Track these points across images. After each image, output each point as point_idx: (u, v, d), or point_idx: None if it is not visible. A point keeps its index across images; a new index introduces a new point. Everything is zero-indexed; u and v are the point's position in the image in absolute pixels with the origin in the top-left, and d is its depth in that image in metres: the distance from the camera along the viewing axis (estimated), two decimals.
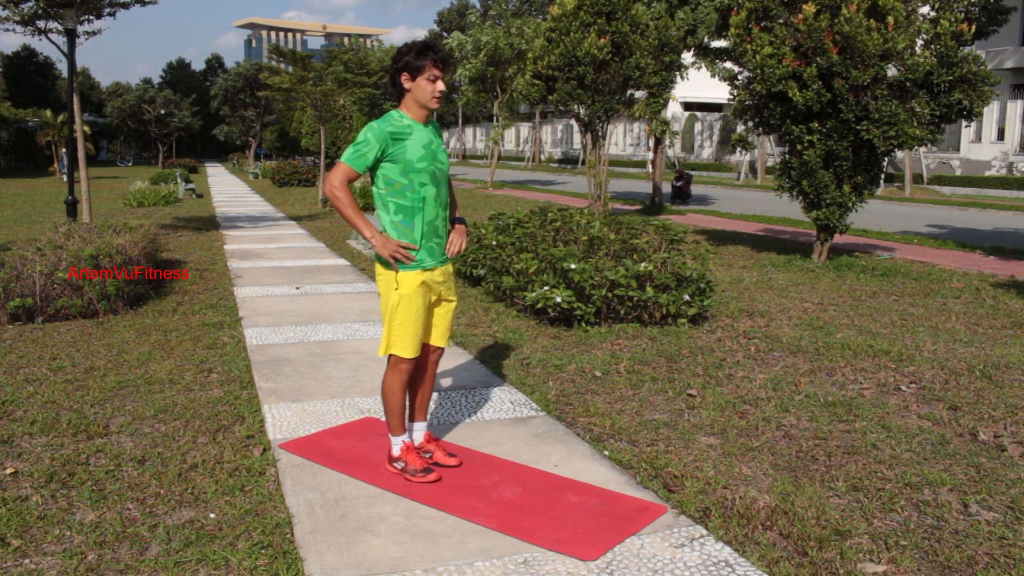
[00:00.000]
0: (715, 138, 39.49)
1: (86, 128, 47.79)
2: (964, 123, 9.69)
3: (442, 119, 61.13)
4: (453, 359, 5.70)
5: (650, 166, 29.80)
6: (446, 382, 5.17)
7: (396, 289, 3.49)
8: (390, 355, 3.56)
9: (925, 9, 9.94)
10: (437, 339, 3.72)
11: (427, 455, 3.78)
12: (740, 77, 10.59)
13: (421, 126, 3.49)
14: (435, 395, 4.91)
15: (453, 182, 32.00)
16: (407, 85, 3.46)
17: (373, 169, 3.47)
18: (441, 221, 3.57)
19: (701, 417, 4.50)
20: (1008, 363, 5.60)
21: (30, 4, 12.30)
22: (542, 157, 52.67)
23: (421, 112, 3.50)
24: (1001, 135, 27.27)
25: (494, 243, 8.09)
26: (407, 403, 3.75)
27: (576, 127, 19.59)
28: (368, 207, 16.69)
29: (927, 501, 3.47)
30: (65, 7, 11.88)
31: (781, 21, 9.81)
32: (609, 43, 13.17)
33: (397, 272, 3.48)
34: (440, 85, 3.46)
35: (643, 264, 6.55)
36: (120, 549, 3.05)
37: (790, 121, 9.86)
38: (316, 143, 33.14)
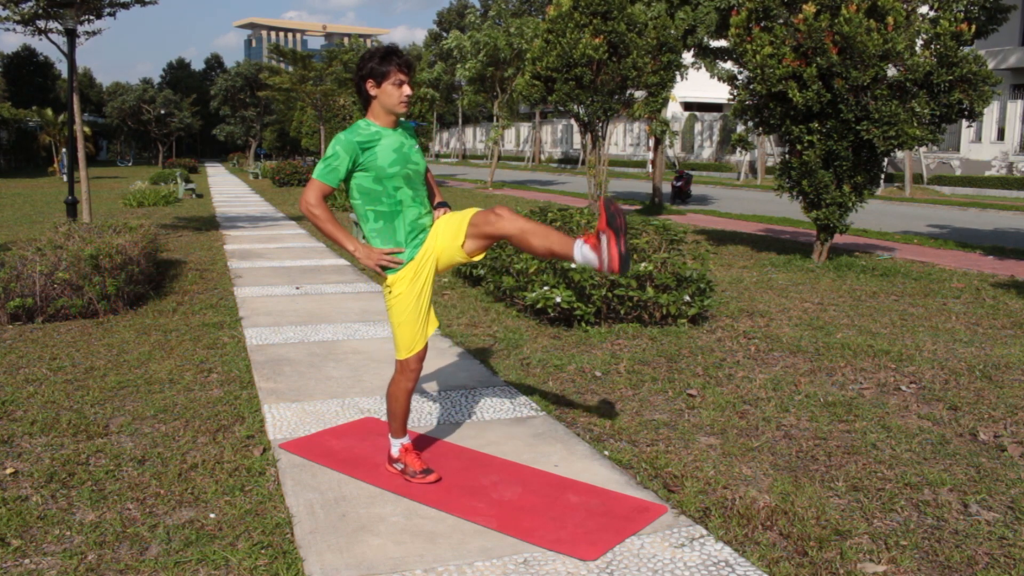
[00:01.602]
0: (715, 138, 39.49)
1: (86, 128, 47.81)
2: (964, 123, 9.71)
3: (442, 119, 61.09)
4: (453, 359, 5.70)
5: (650, 166, 29.80)
6: (446, 382, 5.17)
7: (390, 292, 3.48)
8: (397, 360, 3.55)
9: (924, 9, 9.94)
10: (478, 212, 3.42)
11: None
12: (740, 77, 10.59)
13: (389, 131, 3.45)
14: (435, 395, 4.90)
15: (453, 182, 32.10)
16: (373, 92, 3.41)
17: (346, 181, 3.42)
18: (425, 219, 3.52)
19: (701, 417, 4.50)
20: (1008, 363, 5.60)
21: (30, 4, 12.31)
22: (542, 157, 52.67)
23: (389, 118, 3.45)
24: (1001, 135, 27.28)
25: None
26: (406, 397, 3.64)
27: (576, 127, 19.66)
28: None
29: (927, 501, 3.47)
30: (65, 7, 11.88)
31: (781, 21, 9.81)
32: (605, 43, 13.18)
33: (386, 278, 3.48)
34: (406, 89, 3.42)
35: (643, 264, 6.55)
36: (120, 549, 3.05)
37: (790, 121, 9.86)
38: (316, 143, 33.15)
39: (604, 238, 3.22)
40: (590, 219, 8.08)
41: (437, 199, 3.71)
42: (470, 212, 3.45)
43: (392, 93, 3.40)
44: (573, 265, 6.47)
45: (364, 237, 3.53)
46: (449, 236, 3.46)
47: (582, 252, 3.28)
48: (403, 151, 3.45)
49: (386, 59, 3.39)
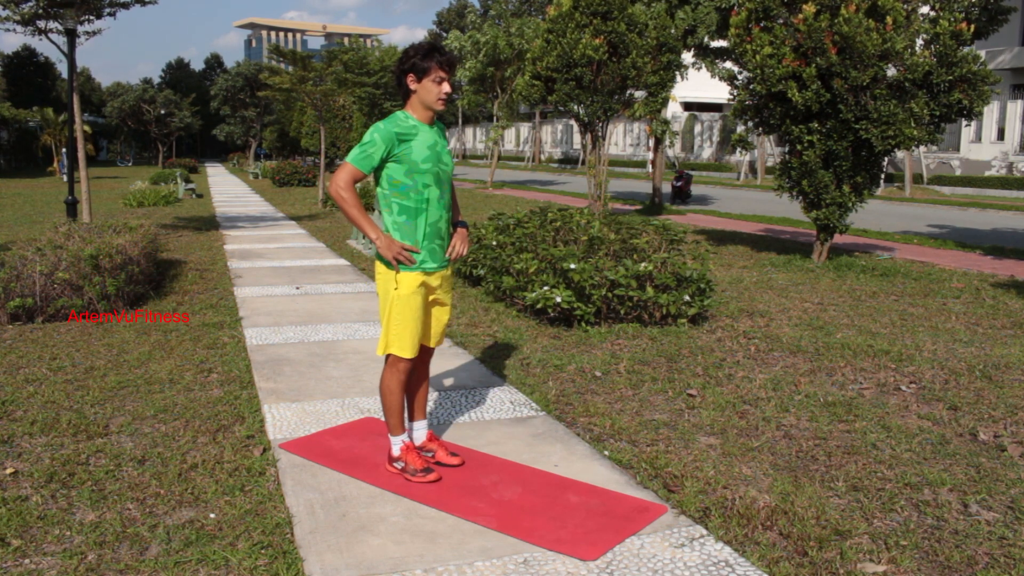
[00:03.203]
0: (715, 138, 39.49)
1: (86, 128, 47.78)
2: (964, 123, 9.71)
3: (442, 119, 60.75)
4: (453, 359, 5.70)
5: (650, 166, 29.80)
6: (446, 382, 5.17)
7: (395, 289, 3.50)
8: (388, 355, 3.57)
9: (925, 9, 9.94)
10: (431, 340, 3.76)
11: (429, 454, 3.79)
12: (740, 77, 10.59)
13: (426, 127, 3.51)
14: (435, 395, 4.91)
15: (453, 182, 31.90)
16: (413, 86, 3.47)
17: (378, 170, 3.48)
18: (444, 223, 3.58)
19: (701, 417, 4.50)
20: (1008, 363, 5.60)
21: (30, 4, 12.30)
22: (542, 157, 52.67)
23: (426, 113, 3.51)
24: (1001, 135, 27.28)
25: (494, 243, 8.09)
26: (405, 404, 3.76)
27: (576, 127, 19.69)
28: (369, 206, 16.69)
29: (927, 501, 3.47)
30: (65, 7, 11.88)
31: (781, 21, 9.81)
32: (605, 43, 13.17)
33: (398, 273, 3.49)
34: (446, 87, 3.47)
35: (643, 264, 6.55)
36: (120, 549, 3.05)
37: (790, 121, 9.86)
38: (316, 143, 33.12)
39: (418, 458, 3.74)
40: (589, 219, 8.09)
41: (458, 216, 3.78)
42: (437, 340, 3.78)
43: (432, 89, 3.45)
44: (572, 266, 6.47)
45: (384, 230, 3.56)
46: (434, 314, 3.71)
47: (420, 432, 3.85)
48: (436, 149, 3.51)
49: (429, 55, 3.44)
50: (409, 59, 3.46)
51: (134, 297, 7.48)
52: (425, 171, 3.45)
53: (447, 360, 5.66)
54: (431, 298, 3.64)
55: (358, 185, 17.26)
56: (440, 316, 3.74)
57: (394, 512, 3.35)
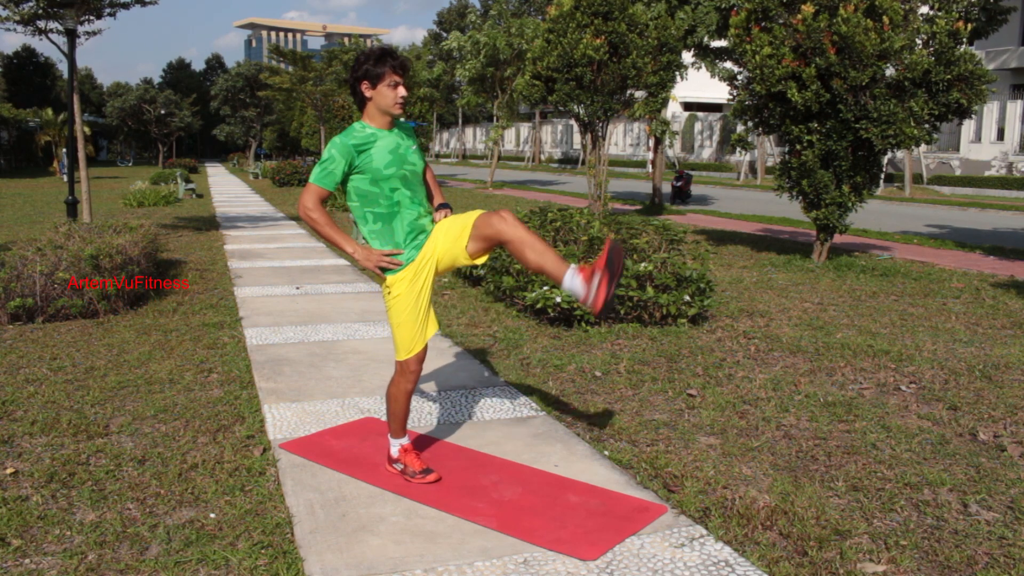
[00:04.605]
0: (715, 138, 39.50)
1: (86, 128, 47.81)
2: (961, 122, 9.73)
3: (442, 119, 61.07)
4: (453, 359, 5.70)
5: (650, 166, 29.80)
6: (446, 382, 5.17)
7: (389, 293, 3.49)
8: (396, 361, 3.56)
9: (925, 9, 9.95)
10: (482, 214, 3.38)
11: None
12: (740, 77, 10.60)
13: (385, 132, 3.44)
14: (435, 395, 4.90)
15: (453, 182, 32.09)
16: (368, 93, 3.40)
17: (344, 184, 3.42)
18: (424, 219, 3.52)
19: (701, 417, 4.51)
20: (1008, 363, 5.60)
21: (30, 4, 12.31)
22: (542, 157, 52.67)
23: (384, 119, 3.44)
24: (1001, 135, 27.28)
25: None
26: (406, 410, 3.64)
27: (576, 127, 19.67)
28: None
29: (927, 501, 3.47)
30: (65, 7, 11.89)
31: (780, 22, 9.81)
32: (606, 43, 13.18)
33: (385, 279, 3.48)
34: (401, 91, 3.41)
35: (643, 264, 6.55)
36: (120, 549, 3.05)
37: (789, 121, 9.86)
38: (316, 143, 33.14)
39: (598, 277, 3.24)
40: (589, 219, 8.09)
41: (438, 200, 3.70)
42: (475, 214, 3.42)
43: (387, 95, 3.39)
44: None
45: (363, 238, 3.54)
46: (451, 238, 3.45)
47: (572, 280, 3.28)
48: (399, 152, 3.44)
49: (381, 61, 3.38)
50: (361, 66, 3.39)
51: (134, 297, 7.48)
52: (390, 176, 3.39)
53: (447, 360, 5.66)
54: (437, 252, 3.48)
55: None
56: (458, 225, 3.42)
57: (394, 512, 3.35)
